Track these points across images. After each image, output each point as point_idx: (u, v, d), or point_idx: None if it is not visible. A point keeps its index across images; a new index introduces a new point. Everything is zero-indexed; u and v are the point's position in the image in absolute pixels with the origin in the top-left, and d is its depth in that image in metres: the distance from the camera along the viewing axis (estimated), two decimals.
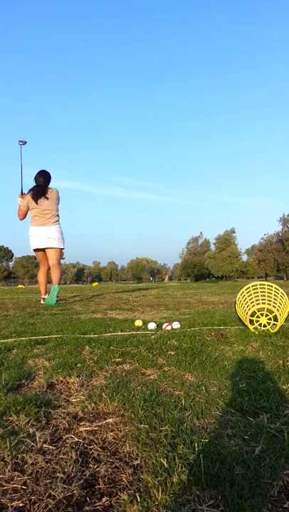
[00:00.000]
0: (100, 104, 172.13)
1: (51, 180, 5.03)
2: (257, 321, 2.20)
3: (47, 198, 4.76)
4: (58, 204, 4.95)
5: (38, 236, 4.77)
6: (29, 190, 4.88)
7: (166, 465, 0.73)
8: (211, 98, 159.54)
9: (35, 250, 4.88)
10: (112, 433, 0.88)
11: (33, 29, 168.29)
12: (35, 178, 4.91)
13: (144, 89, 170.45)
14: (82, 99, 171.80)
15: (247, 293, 2.36)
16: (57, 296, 4.54)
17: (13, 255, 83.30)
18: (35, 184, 4.90)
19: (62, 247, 4.90)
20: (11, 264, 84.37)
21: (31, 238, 4.81)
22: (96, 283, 29.78)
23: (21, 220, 4.96)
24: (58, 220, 4.90)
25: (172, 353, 1.66)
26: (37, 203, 4.75)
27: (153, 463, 0.74)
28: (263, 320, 2.19)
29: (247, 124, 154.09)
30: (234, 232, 58.70)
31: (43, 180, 4.89)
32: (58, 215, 4.90)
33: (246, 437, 0.84)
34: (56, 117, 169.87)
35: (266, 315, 2.19)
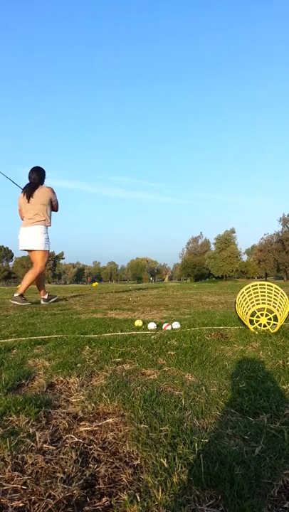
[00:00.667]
0: (100, 104, 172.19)
1: (45, 177, 4.79)
2: (257, 321, 2.20)
3: (33, 197, 4.57)
4: (48, 203, 4.65)
5: (20, 237, 4.66)
6: (22, 189, 4.72)
7: (166, 465, 0.73)
8: (211, 98, 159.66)
9: (26, 251, 4.75)
10: (112, 433, 0.88)
11: (32, 29, 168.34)
12: (28, 175, 4.73)
13: (144, 89, 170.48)
14: (82, 99, 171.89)
15: (247, 293, 2.36)
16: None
17: (13, 255, 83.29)
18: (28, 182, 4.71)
19: (37, 248, 4.57)
20: (11, 264, 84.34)
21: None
22: (96, 283, 29.77)
23: (22, 219, 4.76)
24: (40, 221, 4.59)
25: (172, 353, 1.66)
26: (28, 202, 4.57)
27: (153, 463, 0.74)
28: (263, 320, 2.19)
29: (247, 124, 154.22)
30: (234, 232, 58.76)
31: (35, 176, 4.69)
32: (43, 215, 4.59)
33: (246, 437, 0.84)
34: (56, 117, 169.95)
35: (266, 315, 2.19)
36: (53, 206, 4.80)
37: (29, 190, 4.62)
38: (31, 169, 4.77)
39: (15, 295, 4.45)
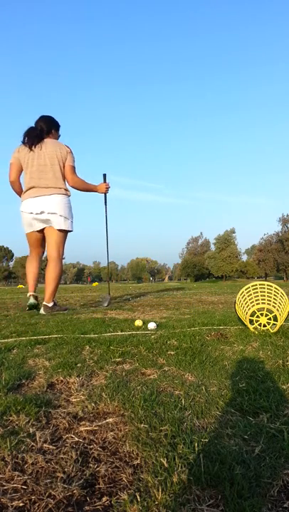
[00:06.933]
0: (100, 103, 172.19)
1: (59, 131, 3.76)
2: (257, 321, 2.20)
3: (42, 149, 3.50)
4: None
5: (30, 210, 3.52)
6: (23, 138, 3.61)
7: (166, 465, 0.73)
8: (211, 98, 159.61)
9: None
10: (112, 433, 0.88)
11: (32, 30, 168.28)
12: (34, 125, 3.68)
13: (144, 89, 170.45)
14: (82, 98, 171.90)
15: (247, 293, 2.36)
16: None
17: (13, 255, 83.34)
18: None
19: (62, 228, 3.48)
20: (11, 264, 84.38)
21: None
22: (96, 283, 29.77)
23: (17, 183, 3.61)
24: (60, 188, 3.53)
25: (172, 352, 1.66)
26: (35, 154, 3.52)
27: (153, 462, 0.74)
28: (263, 320, 2.19)
29: (247, 124, 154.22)
30: (234, 232, 58.77)
31: (42, 125, 3.58)
32: (63, 181, 3.57)
33: (246, 437, 0.84)
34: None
35: (266, 315, 2.19)
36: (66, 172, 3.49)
37: (36, 137, 3.41)
38: (38, 118, 3.56)
39: (49, 305, 3.41)
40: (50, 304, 3.43)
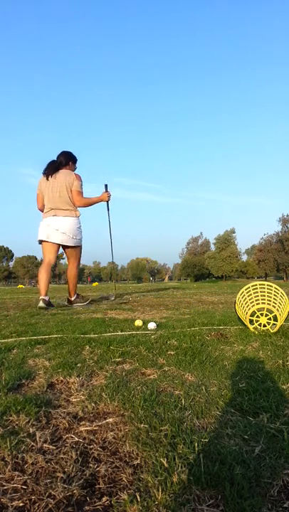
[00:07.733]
0: (100, 103, 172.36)
1: (75, 164, 4.51)
2: (257, 321, 2.21)
3: (56, 178, 4.34)
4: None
5: (49, 226, 4.32)
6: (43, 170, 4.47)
7: (166, 465, 0.73)
8: (211, 98, 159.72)
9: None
10: (112, 433, 0.88)
11: (31, 29, 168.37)
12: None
13: (144, 89, 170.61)
14: (81, 98, 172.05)
15: (247, 293, 2.36)
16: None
17: (13, 255, 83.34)
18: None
19: (77, 244, 4.33)
20: (11, 264, 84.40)
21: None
22: (96, 283, 29.77)
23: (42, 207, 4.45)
24: (71, 210, 4.30)
25: (172, 352, 1.66)
26: (50, 182, 4.38)
27: (153, 462, 0.74)
28: (263, 320, 2.19)
29: (247, 124, 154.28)
30: (234, 232, 58.76)
31: (61, 159, 4.38)
32: (73, 205, 4.32)
33: (246, 437, 0.84)
34: (55, 117, 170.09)
35: (266, 315, 2.19)
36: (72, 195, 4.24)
37: (52, 169, 4.23)
38: (60, 153, 4.40)
39: (72, 299, 4.36)
40: (74, 298, 4.39)
